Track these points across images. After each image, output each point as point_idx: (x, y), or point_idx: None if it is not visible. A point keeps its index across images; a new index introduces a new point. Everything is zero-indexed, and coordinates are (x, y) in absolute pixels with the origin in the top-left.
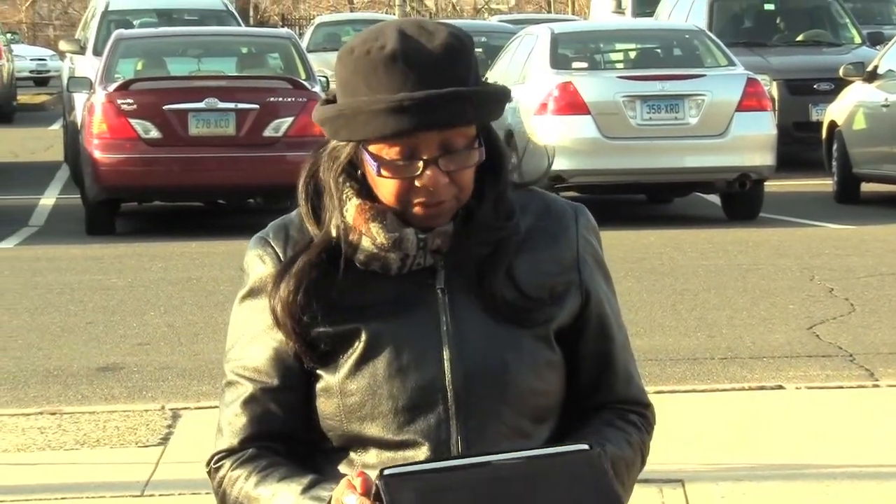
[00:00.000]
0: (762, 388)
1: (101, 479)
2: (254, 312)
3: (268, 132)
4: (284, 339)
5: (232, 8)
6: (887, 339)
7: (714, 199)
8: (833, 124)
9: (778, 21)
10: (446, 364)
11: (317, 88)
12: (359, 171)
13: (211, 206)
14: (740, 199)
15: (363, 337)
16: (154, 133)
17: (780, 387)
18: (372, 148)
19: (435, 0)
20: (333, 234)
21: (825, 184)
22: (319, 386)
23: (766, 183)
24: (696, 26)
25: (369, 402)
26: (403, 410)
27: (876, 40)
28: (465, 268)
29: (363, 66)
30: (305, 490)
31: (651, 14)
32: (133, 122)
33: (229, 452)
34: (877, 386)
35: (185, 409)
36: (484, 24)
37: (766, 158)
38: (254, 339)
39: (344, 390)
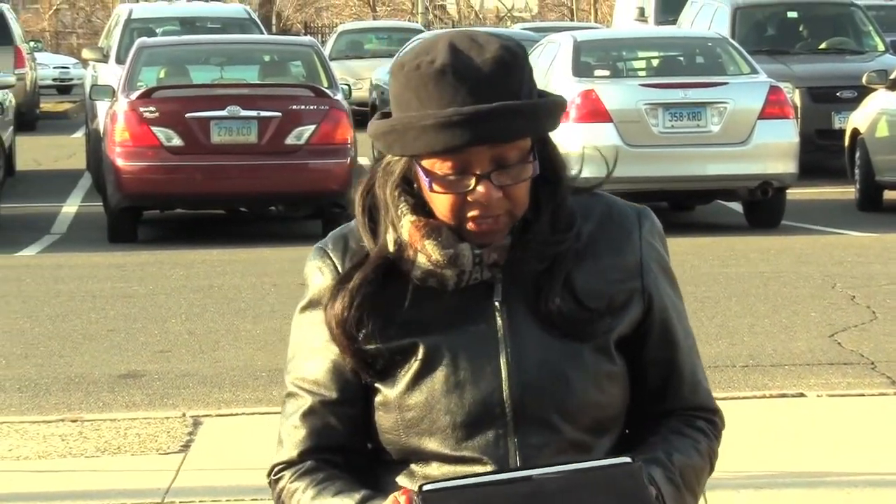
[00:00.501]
0: (783, 395)
1: (122, 486)
2: (312, 325)
3: (290, 140)
4: (341, 353)
5: (254, 16)
6: None
7: (736, 206)
8: (856, 132)
9: (801, 29)
10: (504, 378)
11: (339, 96)
12: (414, 186)
13: (233, 213)
14: (762, 207)
15: (420, 352)
16: (176, 141)
17: (802, 394)
18: (425, 163)
19: (458, 8)
20: (390, 248)
21: (848, 191)
22: (378, 400)
23: (788, 191)
24: (719, 34)
25: (427, 417)
26: (461, 426)
27: None
28: (523, 281)
29: (414, 80)
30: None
31: (674, 22)
32: (155, 129)
33: (289, 465)
34: None
35: (206, 416)
36: (507, 31)
37: (788, 166)
38: (313, 351)
39: (402, 405)
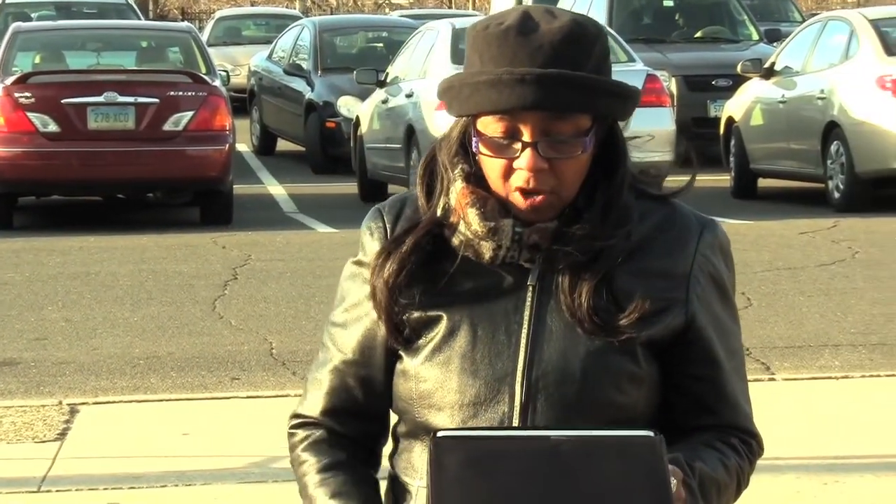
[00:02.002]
0: None
1: None
2: (355, 282)
3: (168, 126)
4: (377, 316)
5: (131, 1)
6: (783, 334)
7: None
8: (731, 120)
9: (677, 17)
10: (520, 364)
11: (217, 82)
12: (471, 155)
13: (110, 200)
14: None
15: (444, 325)
16: (52, 127)
17: None
18: (479, 125)
19: None
20: (438, 212)
21: (723, 179)
22: (399, 367)
23: (664, 179)
24: (597, 22)
25: (439, 390)
26: (470, 405)
27: (773, 37)
28: (561, 269)
29: (479, 40)
30: None
31: None
32: (31, 115)
33: (304, 423)
34: (773, 380)
35: (83, 404)
36: (385, 18)
37: (664, 154)
38: (350, 308)
39: (418, 375)
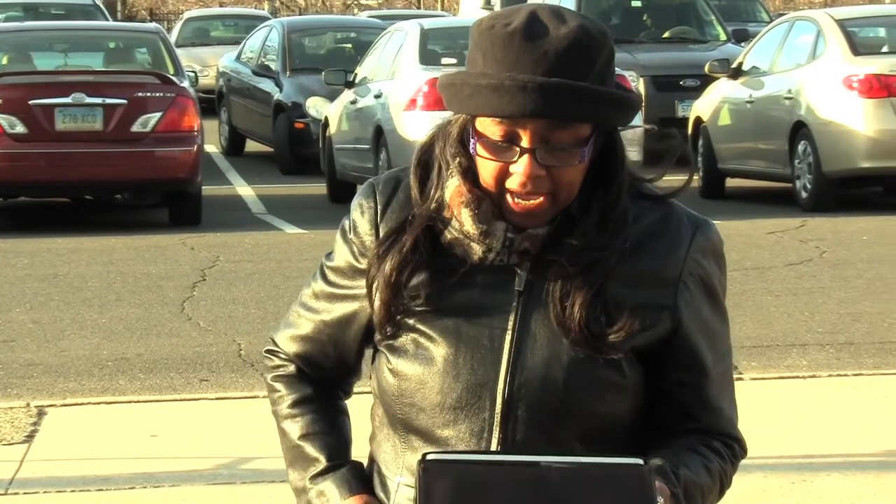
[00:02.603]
0: None
1: None
2: (344, 247)
3: (136, 127)
4: (370, 305)
5: (99, 2)
6: (751, 333)
7: None
8: (699, 120)
9: (645, 18)
10: (502, 371)
11: (185, 83)
12: (470, 150)
13: (78, 201)
14: None
15: (429, 323)
16: (20, 128)
17: None
18: (479, 124)
19: None
20: (431, 206)
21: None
22: (382, 360)
23: None
24: None
25: (420, 391)
26: (450, 408)
27: (741, 37)
28: (552, 276)
29: (484, 40)
30: (315, 477)
31: None
32: None
33: (278, 353)
34: (740, 379)
35: (51, 406)
36: (353, 19)
37: (632, 154)
38: (338, 273)
39: (400, 373)
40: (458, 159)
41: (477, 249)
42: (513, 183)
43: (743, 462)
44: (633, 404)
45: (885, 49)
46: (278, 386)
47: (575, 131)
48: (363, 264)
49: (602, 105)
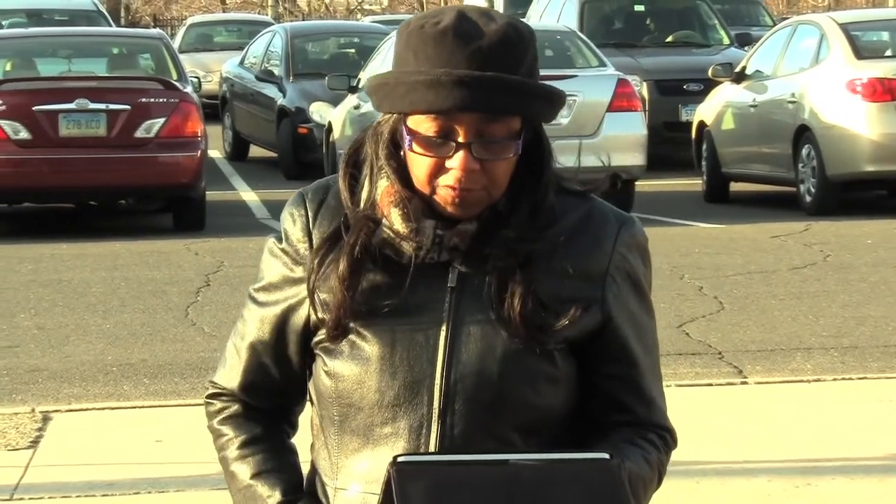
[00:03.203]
0: None
1: None
2: (274, 264)
3: (139, 133)
4: (326, 315)
5: (102, 8)
6: (756, 337)
7: None
8: (702, 124)
9: (648, 22)
10: (438, 367)
11: (188, 89)
12: (401, 152)
13: (82, 207)
14: (611, 199)
15: (364, 323)
16: (24, 134)
17: None
18: (411, 123)
19: (308, 0)
20: (361, 206)
21: (695, 183)
22: (319, 363)
23: (636, 183)
24: (568, 27)
25: (358, 390)
26: (388, 406)
27: (744, 41)
28: (484, 272)
29: (414, 40)
30: None
31: (523, 15)
32: (2, 122)
33: (221, 394)
34: (745, 383)
35: (56, 411)
36: (357, 24)
37: (636, 158)
38: (269, 289)
39: (337, 374)
40: (388, 161)
41: (408, 248)
42: (448, 178)
43: (748, 465)
44: (566, 396)
45: (888, 53)
46: (225, 430)
47: (507, 125)
48: (298, 272)
49: (535, 99)
